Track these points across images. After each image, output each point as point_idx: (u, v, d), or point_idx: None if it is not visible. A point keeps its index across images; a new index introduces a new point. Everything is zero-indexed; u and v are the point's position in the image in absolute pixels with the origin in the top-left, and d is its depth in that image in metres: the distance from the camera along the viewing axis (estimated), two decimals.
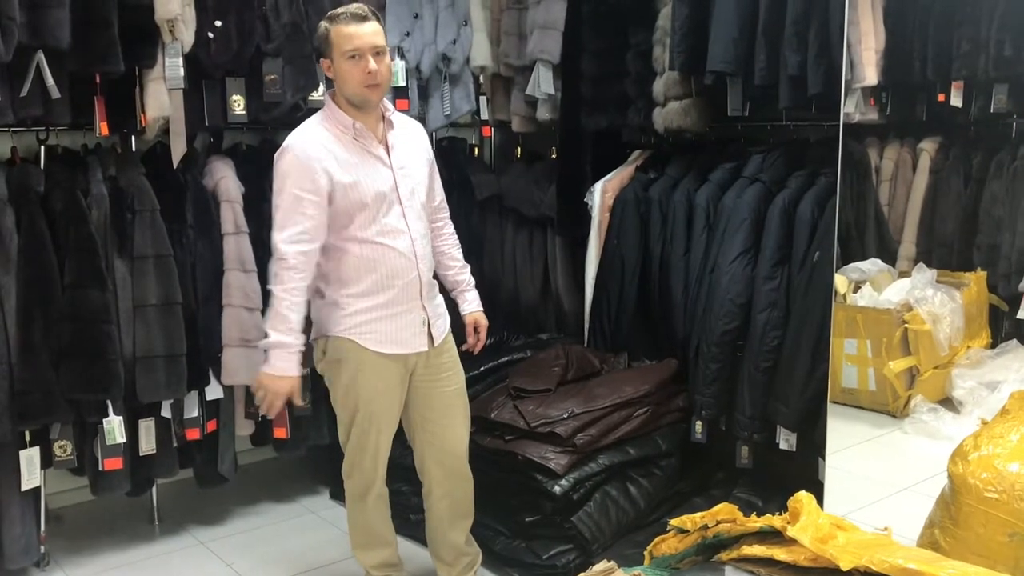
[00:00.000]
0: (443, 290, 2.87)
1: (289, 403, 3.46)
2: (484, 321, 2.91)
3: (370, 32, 2.51)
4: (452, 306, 2.90)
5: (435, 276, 2.81)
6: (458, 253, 2.91)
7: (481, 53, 3.99)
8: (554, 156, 4.19)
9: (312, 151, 2.50)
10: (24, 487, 3.00)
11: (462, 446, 2.79)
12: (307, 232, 2.50)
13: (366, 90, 2.51)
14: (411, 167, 2.66)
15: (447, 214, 2.91)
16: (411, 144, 2.70)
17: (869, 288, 4.11)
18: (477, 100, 4.05)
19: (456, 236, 2.93)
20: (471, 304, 2.91)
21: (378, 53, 2.51)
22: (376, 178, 2.56)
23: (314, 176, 2.48)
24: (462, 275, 2.91)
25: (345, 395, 2.65)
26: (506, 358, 3.64)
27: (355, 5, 2.56)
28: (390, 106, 2.68)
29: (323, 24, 2.55)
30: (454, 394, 2.77)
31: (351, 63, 2.50)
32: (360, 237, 2.55)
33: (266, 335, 2.54)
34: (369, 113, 2.59)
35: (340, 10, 2.53)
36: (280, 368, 2.52)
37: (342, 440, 2.74)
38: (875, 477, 3.43)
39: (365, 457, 2.70)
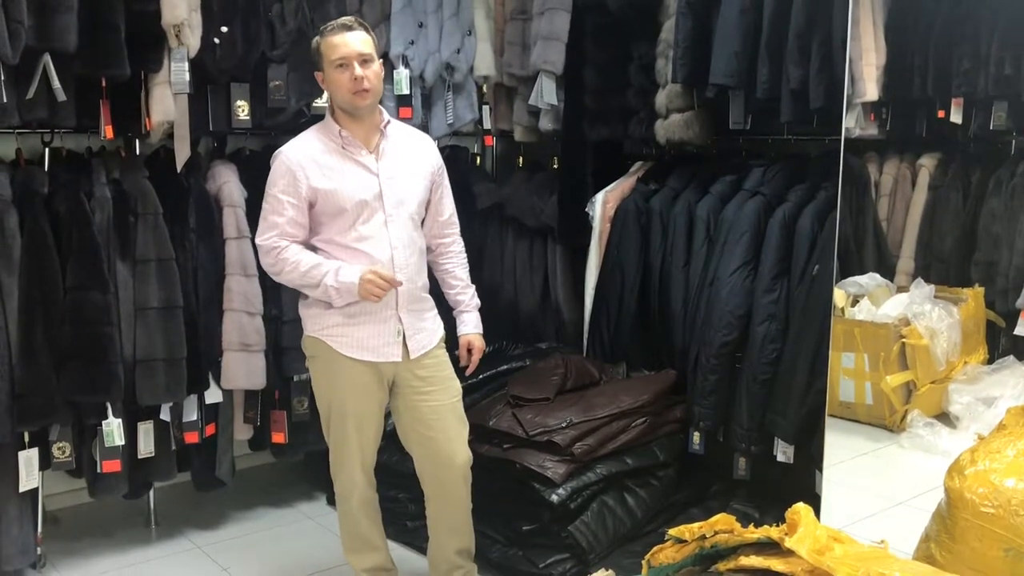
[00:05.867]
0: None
1: (288, 409, 3.50)
2: (478, 344, 2.89)
3: (356, 40, 2.57)
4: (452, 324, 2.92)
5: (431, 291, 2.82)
6: (462, 272, 2.91)
7: (485, 63, 4.01)
8: (555, 166, 4.20)
9: (296, 158, 2.61)
10: (22, 488, 3.01)
11: (455, 460, 2.75)
12: (278, 227, 2.61)
13: (354, 97, 2.57)
14: (402, 178, 2.68)
15: (456, 230, 2.90)
16: (410, 156, 2.72)
17: (867, 302, 4.12)
18: (480, 109, 4.07)
19: (464, 255, 2.92)
20: (466, 326, 2.89)
21: (365, 61, 2.58)
22: (359, 185, 2.61)
23: (295, 181, 2.59)
24: (463, 295, 2.90)
25: (319, 393, 2.75)
26: (505, 367, 3.64)
27: (345, 17, 2.65)
28: (389, 117, 2.73)
29: (315, 38, 2.65)
30: (445, 409, 2.75)
31: (339, 72, 2.57)
32: (339, 241, 2.63)
33: (321, 291, 2.59)
34: (362, 121, 2.64)
35: (329, 23, 2.63)
36: (351, 281, 2.54)
37: (326, 438, 2.79)
38: (872, 490, 3.44)
39: (345, 457, 2.74)
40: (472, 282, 2.96)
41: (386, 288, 2.55)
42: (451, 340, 2.90)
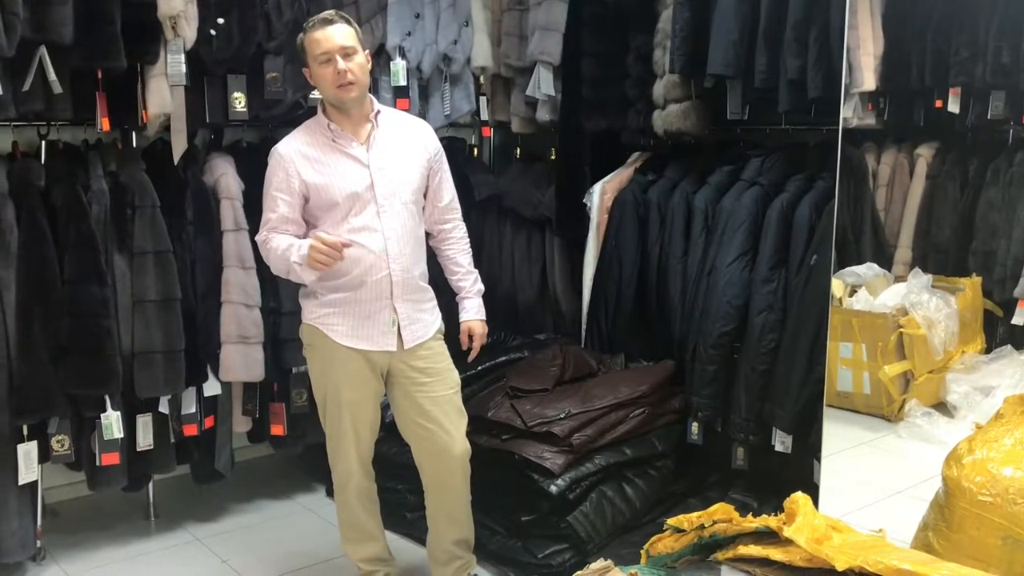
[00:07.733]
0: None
1: (287, 401, 3.50)
2: (479, 330, 2.89)
3: (337, 34, 2.58)
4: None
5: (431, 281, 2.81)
6: (464, 258, 2.90)
7: (482, 53, 4.00)
8: (553, 157, 4.20)
9: (287, 154, 2.64)
10: (21, 481, 3.00)
11: (452, 451, 2.76)
12: (270, 223, 2.65)
13: (339, 91, 2.58)
14: (394, 167, 2.68)
15: (457, 216, 2.90)
16: (403, 144, 2.72)
17: (865, 292, 4.13)
18: (477, 100, 4.05)
19: (467, 240, 2.92)
20: (468, 312, 2.89)
21: (347, 54, 2.58)
22: (349, 178, 2.62)
23: (288, 177, 2.62)
24: (464, 281, 2.90)
25: (316, 381, 2.78)
26: (504, 358, 3.64)
27: (326, 11, 2.65)
28: (379, 106, 2.73)
29: (299, 35, 2.66)
30: (442, 400, 2.75)
31: (323, 67, 2.59)
32: (332, 234, 2.62)
33: (295, 274, 2.61)
34: (351, 114, 2.65)
35: (310, 19, 2.64)
36: (302, 255, 2.55)
37: (323, 426, 2.80)
38: (869, 480, 3.45)
39: (341, 445, 2.76)
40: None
41: (330, 255, 2.50)
42: (455, 328, 2.90)
